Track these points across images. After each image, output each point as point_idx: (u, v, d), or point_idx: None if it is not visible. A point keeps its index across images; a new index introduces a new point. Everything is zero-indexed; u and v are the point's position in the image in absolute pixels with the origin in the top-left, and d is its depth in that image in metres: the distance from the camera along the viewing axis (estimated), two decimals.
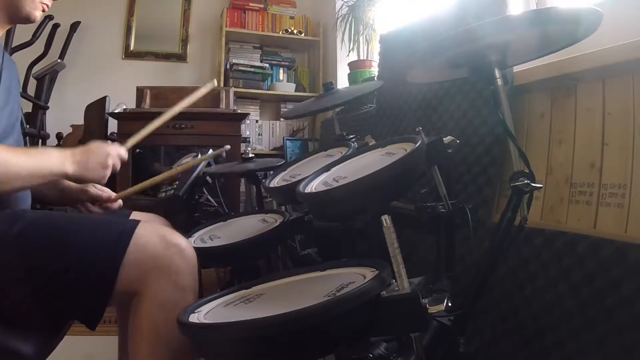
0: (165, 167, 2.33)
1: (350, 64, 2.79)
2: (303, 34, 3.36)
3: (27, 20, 1.00)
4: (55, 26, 2.87)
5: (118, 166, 1.00)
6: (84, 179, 0.95)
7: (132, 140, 1.14)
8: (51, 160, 0.88)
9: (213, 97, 2.64)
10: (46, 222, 0.86)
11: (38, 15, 1.00)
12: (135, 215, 1.23)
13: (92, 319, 0.82)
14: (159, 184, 1.31)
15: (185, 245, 0.87)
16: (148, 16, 3.34)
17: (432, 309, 0.67)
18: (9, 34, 2.49)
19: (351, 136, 1.39)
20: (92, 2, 3.18)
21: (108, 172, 0.97)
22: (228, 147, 1.46)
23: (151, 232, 0.85)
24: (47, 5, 1.02)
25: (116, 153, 0.99)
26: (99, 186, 1.17)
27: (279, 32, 3.34)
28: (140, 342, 0.82)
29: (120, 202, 1.20)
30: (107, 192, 1.18)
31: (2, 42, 1.04)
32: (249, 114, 2.93)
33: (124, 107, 2.60)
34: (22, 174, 0.83)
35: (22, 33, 2.63)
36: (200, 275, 0.90)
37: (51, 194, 1.16)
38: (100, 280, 0.80)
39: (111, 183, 1.09)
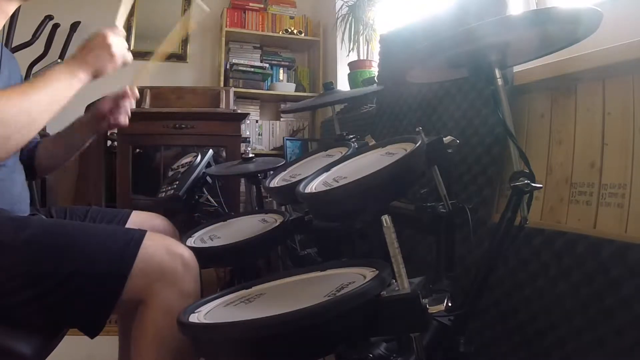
0: (165, 167, 2.32)
1: (350, 64, 2.79)
2: (303, 34, 3.36)
3: None
4: (55, 26, 2.87)
5: (127, 56, 0.99)
6: (99, 73, 0.92)
7: (121, 16, 1.11)
8: (60, 78, 0.86)
9: (213, 97, 2.64)
10: (54, 229, 0.86)
11: None
12: (135, 214, 1.23)
13: (93, 328, 0.82)
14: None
15: (188, 255, 0.88)
16: (148, 16, 3.33)
17: (432, 309, 0.67)
18: (9, 30, 2.49)
19: (351, 136, 1.39)
20: (92, 2, 3.18)
21: (118, 59, 0.95)
22: None
23: (157, 242, 0.86)
24: None
25: (116, 41, 0.96)
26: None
27: (279, 32, 3.34)
28: (145, 348, 0.82)
29: (136, 92, 1.18)
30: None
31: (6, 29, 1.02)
32: (249, 114, 2.93)
33: None
34: (43, 105, 0.81)
35: (22, 33, 2.62)
36: (200, 276, 0.91)
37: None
38: (106, 290, 0.81)
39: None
